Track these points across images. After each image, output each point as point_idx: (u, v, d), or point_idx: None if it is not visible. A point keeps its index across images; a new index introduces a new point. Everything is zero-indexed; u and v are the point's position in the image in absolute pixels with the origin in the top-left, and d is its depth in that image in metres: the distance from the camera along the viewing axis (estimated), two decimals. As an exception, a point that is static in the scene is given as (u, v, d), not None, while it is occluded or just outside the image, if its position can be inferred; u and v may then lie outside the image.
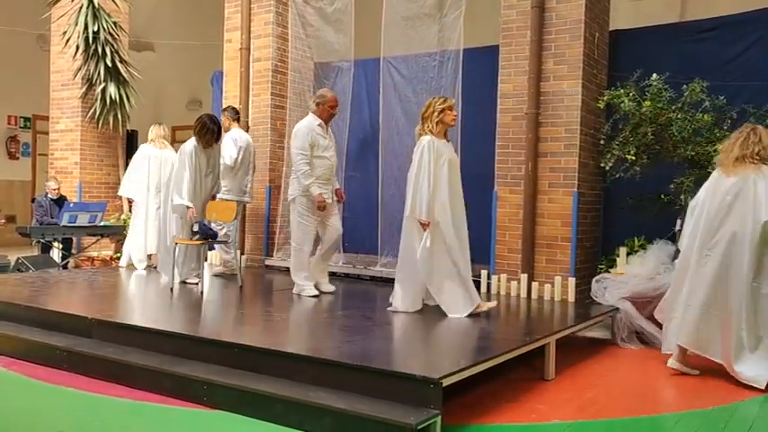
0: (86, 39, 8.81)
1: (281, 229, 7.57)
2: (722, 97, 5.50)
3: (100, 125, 9.26)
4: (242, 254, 7.69)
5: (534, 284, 5.93)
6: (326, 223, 5.80)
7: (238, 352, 3.98)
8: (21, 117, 12.71)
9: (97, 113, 9.12)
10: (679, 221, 5.64)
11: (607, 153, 5.78)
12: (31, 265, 7.51)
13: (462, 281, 4.96)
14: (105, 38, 8.91)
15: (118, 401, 3.82)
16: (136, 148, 8.32)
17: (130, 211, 7.86)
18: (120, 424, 3.54)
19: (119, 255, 8.23)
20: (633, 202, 5.90)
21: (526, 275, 5.96)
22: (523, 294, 5.92)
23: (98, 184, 9.55)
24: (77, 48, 8.92)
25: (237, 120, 7.27)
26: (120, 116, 9.17)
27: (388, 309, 5.12)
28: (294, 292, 5.81)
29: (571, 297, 5.75)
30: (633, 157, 5.56)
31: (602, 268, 5.90)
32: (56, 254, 8.23)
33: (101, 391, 3.97)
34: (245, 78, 7.86)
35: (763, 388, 4.18)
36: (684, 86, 5.53)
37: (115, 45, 9.11)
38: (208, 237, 5.99)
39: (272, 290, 6.55)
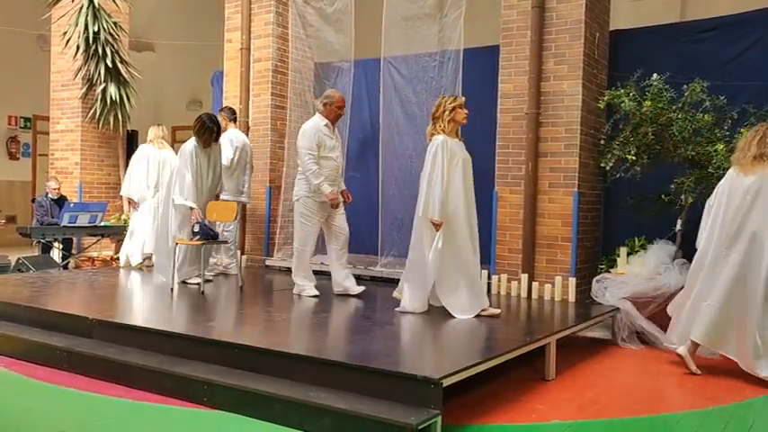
0: (87, 39, 8.81)
1: (282, 229, 7.57)
2: (722, 97, 5.50)
3: (100, 125, 9.26)
4: (242, 254, 7.69)
5: (535, 284, 5.93)
6: (332, 224, 5.72)
7: (238, 352, 3.98)
8: (21, 117, 12.70)
9: (97, 114, 9.12)
10: (679, 221, 5.65)
11: (607, 153, 5.77)
12: (32, 265, 7.50)
13: (471, 283, 4.93)
14: (105, 38, 8.92)
15: (118, 401, 3.82)
16: (136, 149, 8.31)
17: (131, 210, 7.85)
18: (120, 424, 3.54)
19: (119, 255, 8.23)
20: (633, 202, 5.90)
21: (526, 275, 5.96)
22: (524, 294, 5.92)
23: (98, 185, 9.56)
24: (78, 48, 8.92)
25: (234, 120, 7.27)
26: (120, 116, 9.17)
27: (396, 309, 5.06)
28: (294, 292, 5.81)
29: (571, 297, 5.75)
30: (633, 157, 5.56)
31: (602, 268, 5.90)
32: (56, 254, 8.23)
33: (101, 391, 3.97)
34: (245, 78, 7.87)
35: None
36: (685, 86, 5.52)
37: (115, 45, 9.12)
38: (208, 237, 5.98)
39: (272, 290, 6.55)
